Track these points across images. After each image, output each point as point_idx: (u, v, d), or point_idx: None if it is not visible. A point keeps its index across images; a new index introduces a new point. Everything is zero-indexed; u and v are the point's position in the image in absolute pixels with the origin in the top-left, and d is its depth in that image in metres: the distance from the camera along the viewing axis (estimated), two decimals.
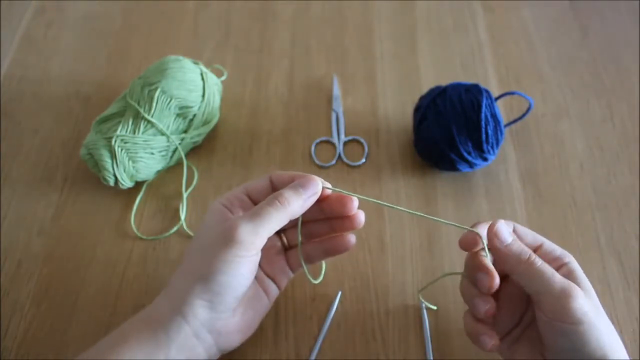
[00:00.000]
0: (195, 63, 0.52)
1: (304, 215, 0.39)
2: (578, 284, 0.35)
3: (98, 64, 0.60)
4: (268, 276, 0.41)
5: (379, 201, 0.39)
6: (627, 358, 0.35)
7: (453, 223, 0.38)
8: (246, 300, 0.38)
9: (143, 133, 0.48)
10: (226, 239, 0.34)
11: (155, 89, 0.48)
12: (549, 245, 0.38)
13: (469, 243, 0.38)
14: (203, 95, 0.51)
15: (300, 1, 0.66)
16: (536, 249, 0.37)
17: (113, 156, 0.47)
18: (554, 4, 0.66)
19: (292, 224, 0.41)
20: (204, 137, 0.53)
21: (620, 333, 0.43)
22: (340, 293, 0.45)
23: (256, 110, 0.57)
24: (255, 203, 0.40)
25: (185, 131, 0.51)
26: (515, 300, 0.39)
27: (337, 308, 0.44)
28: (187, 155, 0.52)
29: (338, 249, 0.41)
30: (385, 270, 0.46)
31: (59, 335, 0.43)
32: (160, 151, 0.49)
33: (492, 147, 0.48)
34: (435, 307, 0.44)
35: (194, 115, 0.51)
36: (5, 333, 0.43)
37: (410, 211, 0.39)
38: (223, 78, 0.57)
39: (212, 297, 0.35)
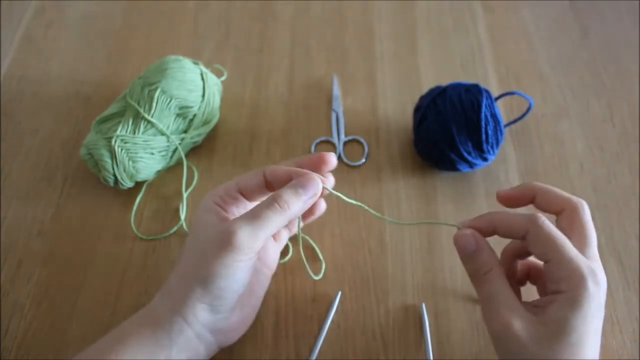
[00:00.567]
0: (195, 63, 0.52)
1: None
2: (561, 325, 0.32)
3: (98, 64, 0.60)
4: (260, 263, 0.41)
5: (375, 212, 0.40)
6: None
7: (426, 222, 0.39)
8: (242, 297, 0.38)
9: (143, 133, 0.48)
10: (225, 243, 0.34)
11: (155, 89, 0.48)
12: (560, 263, 0.33)
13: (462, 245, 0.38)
14: (203, 95, 0.51)
15: (300, 1, 0.66)
16: (531, 200, 0.37)
17: (113, 156, 0.47)
18: (554, 4, 0.66)
19: None
20: (204, 137, 0.53)
21: (620, 333, 0.43)
22: (340, 293, 0.45)
23: (256, 110, 0.57)
24: (248, 199, 0.40)
25: (185, 131, 0.51)
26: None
27: (337, 308, 0.44)
28: (187, 155, 0.52)
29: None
30: (385, 270, 0.46)
31: (59, 335, 0.43)
32: (160, 151, 0.49)
33: (492, 147, 0.48)
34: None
35: (194, 115, 0.51)
36: (5, 333, 0.43)
37: (385, 217, 0.39)
38: (223, 78, 0.57)
39: (212, 301, 0.35)
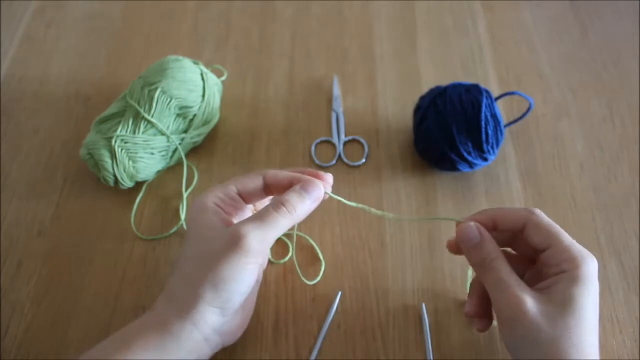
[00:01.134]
0: (195, 63, 0.52)
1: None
2: (567, 301, 0.34)
3: (98, 64, 0.60)
4: None
5: (375, 210, 0.40)
6: None
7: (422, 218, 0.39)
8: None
9: (143, 133, 0.48)
10: (235, 247, 0.34)
11: (155, 89, 0.48)
12: (560, 248, 0.36)
13: (453, 245, 0.40)
14: (203, 95, 0.51)
15: (300, 1, 0.66)
16: (543, 250, 0.37)
17: (113, 156, 0.47)
18: (554, 4, 0.66)
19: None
20: (204, 137, 0.53)
21: (620, 333, 0.43)
22: (340, 293, 0.45)
23: (256, 110, 0.57)
24: (247, 202, 0.40)
25: (185, 131, 0.51)
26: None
27: (337, 308, 0.44)
28: (187, 155, 0.52)
29: None
30: (385, 271, 0.46)
31: (59, 336, 0.43)
32: (160, 151, 0.49)
33: (492, 147, 0.48)
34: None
35: (194, 115, 0.51)
36: (5, 333, 0.43)
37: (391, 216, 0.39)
38: (223, 78, 0.57)
39: (223, 304, 0.35)
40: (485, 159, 0.49)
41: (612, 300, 0.45)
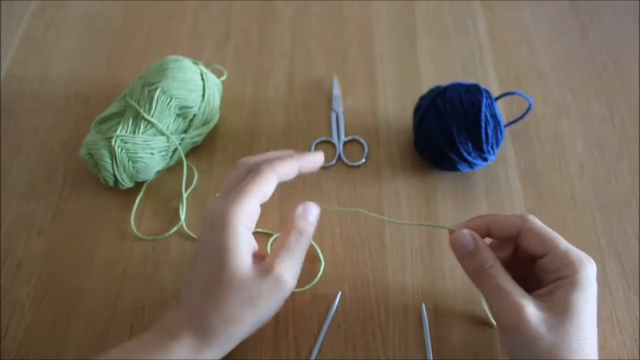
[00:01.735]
0: (195, 63, 0.52)
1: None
2: (568, 307, 0.34)
3: (98, 64, 0.60)
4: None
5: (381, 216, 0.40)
6: None
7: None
8: None
9: (143, 133, 0.48)
10: (279, 291, 0.36)
11: (155, 89, 0.48)
12: (557, 254, 0.36)
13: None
14: (203, 95, 0.51)
15: (300, 1, 0.66)
16: (542, 257, 0.36)
17: (113, 156, 0.47)
18: (554, 4, 0.66)
19: None
20: (204, 137, 0.53)
21: (620, 333, 0.43)
22: (340, 293, 0.45)
23: (256, 110, 0.57)
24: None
25: (185, 131, 0.51)
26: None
27: (337, 308, 0.44)
28: (187, 155, 0.52)
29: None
30: (385, 271, 0.46)
31: (59, 336, 0.43)
32: (160, 151, 0.49)
33: (492, 147, 0.48)
34: (494, 322, 0.43)
35: (194, 115, 0.51)
36: (5, 333, 0.43)
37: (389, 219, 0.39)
38: (223, 78, 0.57)
39: (245, 337, 0.37)
40: (485, 159, 0.49)
41: (612, 300, 0.45)
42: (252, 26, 0.64)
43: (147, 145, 0.48)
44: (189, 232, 0.48)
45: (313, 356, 0.42)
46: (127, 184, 0.48)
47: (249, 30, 0.63)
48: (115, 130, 0.47)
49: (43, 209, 0.50)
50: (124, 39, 0.62)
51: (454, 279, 0.46)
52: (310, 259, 0.47)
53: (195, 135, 0.51)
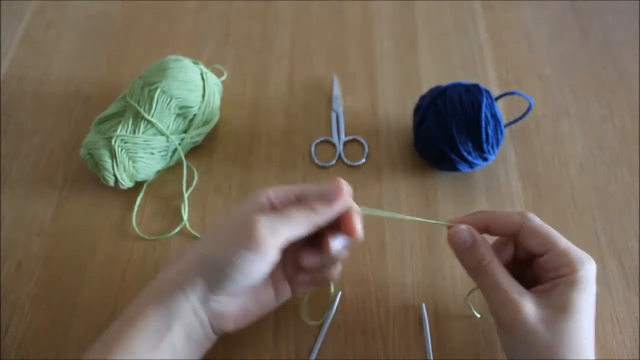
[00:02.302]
0: (195, 63, 0.52)
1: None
2: (566, 305, 0.34)
3: (98, 64, 0.60)
4: (287, 279, 0.40)
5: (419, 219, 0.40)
6: None
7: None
8: (250, 293, 0.38)
9: (143, 133, 0.48)
10: (244, 232, 0.34)
11: (155, 89, 0.48)
12: (557, 252, 0.35)
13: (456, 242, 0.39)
14: (203, 95, 0.51)
15: (300, 1, 0.66)
16: (541, 255, 0.36)
17: (113, 156, 0.47)
18: (554, 4, 0.66)
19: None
20: (204, 137, 0.53)
21: (620, 333, 0.43)
22: (340, 293, 0.45)
23: (256, 110, 0.57)
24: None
25: (185, 131, 0.51)
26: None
27: (337, 308, 0.44)
28: (187, 155, 0.52)
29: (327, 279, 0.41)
30: (385, 271, 0.46)
31: (59, 335, 0.43)
32: (160, 151, 0.49)
33: (492, 147, 0.48)
34: (478, 315, 0.44)
35: (194, 115, 0.51)
36: (5, 333, 0.43)
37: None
38: (223, 78, 0.57)
39: (212, 282, 0.35)
40: (485, 159, 0.49)
41: (612, 300, 0.45)
42: (252, 26, 0.63)
43: (147, 145, 0.48)
44: (192, 231, 0.48)
45: (313, 356, 0.42)
46: (127, 183, 0.48)
47: (249, 30, 0.63)
48: (115, 130, 0.47)
49: (43, 209, 0.50)
50: (124, 39, 0.62)
51: (454, 279, 0.46)
52: None
53: (195, 135, 0.51)
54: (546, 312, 0.34)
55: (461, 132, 0.47)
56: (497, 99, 0.50)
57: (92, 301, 0.45)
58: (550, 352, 0.33)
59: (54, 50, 0.61)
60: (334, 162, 0.53)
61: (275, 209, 0.36)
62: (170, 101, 0.48)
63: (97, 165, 0.48)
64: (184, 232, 0.49)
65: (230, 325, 0.38)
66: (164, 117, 0.49)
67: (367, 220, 0.49)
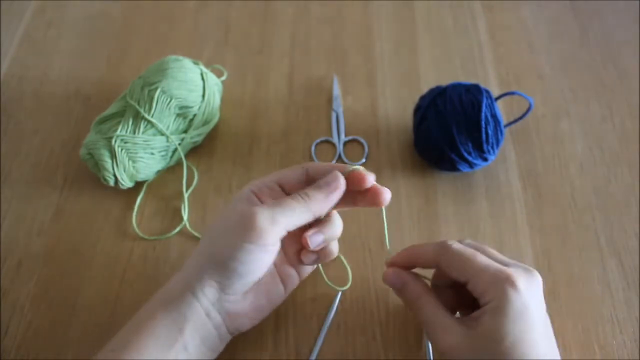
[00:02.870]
0: (195, 63, 0.52)
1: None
2: (492, 333, 0.33)
3: (98, 64, 0.60)
4: (291, 265, 0.41)
5: None
6: None
7: None
8: (259, 287, 0.38)
9: (143, 133, 0.48)
10: (244, 225, 0.34)
11: (155, 89, 0.48)
12: (477, 278, 0.34)
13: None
14: (203, 95, 0.51)
15: (300, 1, 0.66)
16: (465, 283, 0.36)
17: (113, 156, 0.47)
18: (554, 4, 0.66)
19: None
20: (204, 137, 0.53)
21: (620, 333, 0.43)
22: (340, 293, 0.45)
23: (256, 111, 0.57)
24: (287, 192, 0.39)
25: (185, 131, 0.51)
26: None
27: (337, 308, 0.44)
28: (187, 155, 0.52)
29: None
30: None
31: (59, 335, 0.43)
32: (160, 151, 0.49)
33: (492, 147, 0.48)
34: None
35: (194, 115, 0.51)
36: (5, 333, 0.43)
37: None
38: (223, 78, 0.57)
39: (222, 280, 0.35)
40: (485, 159, 0.49)
41: (612, 300, 0.45)
42: (252, 26, 0.63)
43: (147, 145, 0.48)
44: (192, 231, 0.48)
45: (313, 356, 0.42)
46: (127, 183, 0.48)
47: (249, 30, 0.63)
48: (115, 130, 0.47)
49: (43, 209, 0.50)
50: (124, 39, 0.62)
51: None
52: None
53: (195, 135, 0.51)
54: (474, 343, 0.33)
55: (461, 132, 0.47)
56: (497, 99, 0.50)
57: (92, 301, 0.45)
58: None
59: (54, 50, 0.61)
60: (334, 162, 0.53)
61: (262, 201, 0.38)
62: (170, 101, 0.48)
63: (97, 165, 0.48)
64: (184, 232, 0.49)
65: (246, 324, 0.38)
66: (164, 117, 0.49)
67: (368, 220, 0.49)
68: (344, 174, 0.38)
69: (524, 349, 0.33)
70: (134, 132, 0.48)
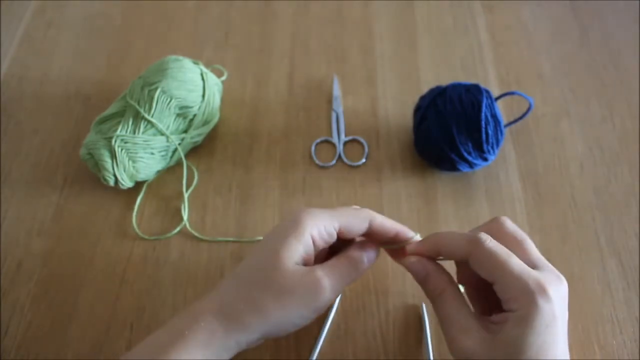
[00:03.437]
0: (195, 63, 0.52)
1: None
2: (513, 344, 0.32)
3: (98, 64, 0.60)
4: None
5: None
6: None
7: None
8: None
9: (143, 133, 0.48)
10: (313, 299, 0.34)
11: (155, 89, 0.48)
12: (506, 283, 0.33)
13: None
14: (203, 95, 0.51)
15: (300, 1, 0.66)
16: (492, 283, 0.34)
17: (113, 156, 0.47)
18: (554, 4, 0.66)
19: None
20: (204, 137, 0.53)
21: (620, 333, 0.43)
22: (340, 293, 0.45)
23: (256, 111, 0.57)
24: (342, 240, 0.39)
25: (185, 131, 0.51)
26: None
27: (337, 308, 0.44)
28: (187, 155, 0.52)
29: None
30: (385, 270, 0.46)
31: (59, 335, 0.43)
32: (160, 151, 0.49)
33: (492, 147, 0.48)
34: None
35: (194, 115, 0.51)
36: (5, 333, 0.43)
37: None
38: (223, 78, 0.57)
39: (271, 336, 0.36)
40: (485, 159, 0.49)
41: (612, 300, 0.45)
42: (252, 26, 0.64)
43: (147, 145, 0.48)
44: (192, 232, 0.48)
45: (313, 356, 0.42)
46: (127, 183, 0.48)
47: (249, 30, 0.63)
48: (115, 130, 0.47)
49: (43, 209, 0.50)
50: (124, 39, 0.62)
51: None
52: None
53: (195, 135, 0.51)
54: (492, 350, 0.32)
55: (461, 132, 0.47)
56: (497, 99, 0.50)
57: (92, 301, 0.45)
58: None
59: (54, 50, 0.61)
60: (334, 162, 0.53)
61: (316, 245, 0.36)
62: (170, 101, 0.48)
63: (97, 165, 0.48)
64: (184, 232, 0.49)
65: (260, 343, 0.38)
66: (164, 117, 0.49)
67: None
68: (403, 242, 0.39)
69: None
70: (134, 132, 0.48)
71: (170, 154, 0.50)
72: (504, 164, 0.53)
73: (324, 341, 0.43)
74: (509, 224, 0.37)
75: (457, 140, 0.47)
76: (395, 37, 0.63)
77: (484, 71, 0.60)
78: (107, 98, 0.55)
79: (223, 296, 0.35)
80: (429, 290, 0.37)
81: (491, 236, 0.35)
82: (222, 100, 0.55)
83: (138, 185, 0.50)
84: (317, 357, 0.42)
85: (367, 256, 0.38)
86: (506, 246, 0.34)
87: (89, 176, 0.51)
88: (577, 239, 0.48)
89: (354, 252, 0.38)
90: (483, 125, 0.47)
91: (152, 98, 0.48)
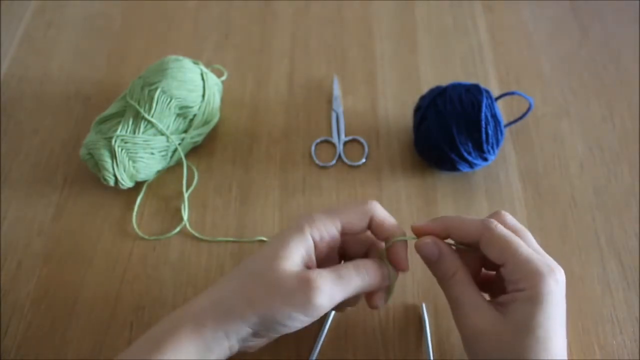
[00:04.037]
0: (195, 63, 0.52)
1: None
2: (524, 322, 0.32)
3: (98, 64, 0.60)
4: None
5: None
6: None
7: None
8: None
9: (143, 133, 0.48)
10: (303, 297, 0.33)
11: (155, 89, 0.48)
12: (515, 264, 0.34)
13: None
14: (203, 95, 0.51)
15: (300, 1, 0.66)
16: (501, 265, 0.35)
17: (113, 156, 0.47)
18: (554, 4, 0.66)
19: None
20: (204, 137, 0.53)
21: (620, 333, 0.43)
22: None
23: (256, 111, 0.57)
24: (345, 238, 0.38)
25: (185, 131, 0.51)
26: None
27: None
28: (187, 155, 0.52)
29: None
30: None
31: (59, 335, 0.43)
32: (160, 151, 0.49)
33: (492, 147, 0.48)
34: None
35: (194, 115, 0.51)
36: (5, 333, 0.43)
37: None
38: (223, 78, 0.57)
39: (260, 331, 0.35)
40: (485, 159, 0.49)
41: (612, 300, 0.45)
42: (252, 26, 0.64)
43: (147, 145, 0.48)
44: (192, 232, 0.48)
45: (313, 356, 0.42)
46: (127, 183, 0.48)
47: (249, 30, 0.63)
48: (115, 130, 0.47)
49: (43, 209, 0.50)
50: (124, 39, 0.62)
51: None
52: None
53: (195, 135, 0.51)
54: (504, 328, 0.33)
55: (461, 132, 0.47)
56: (497, 99, 0.50)
57: (92, 301, 0.45)
58: None
59: (54, 50, 0.61)
60: (334, 162, 0.53)
61: (318, 249, 0.36)
62: (170, 101, 0.48)
63: (97, 165, 0.48)
64: (184, 232, 0.49)
65: (258, 348, 0.38)
66: (164, 117, 0.49)
67: None
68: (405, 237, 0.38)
69: (549, 345, 0.32)
70: (134, 132, 0.48)
71: (170, 154, 0.50)
72: (504, 164, 0.53)
73: (323, 341, 0.43)
74: (510, 218, 0.37)
75: (457, 140, 0.47)
76: (395, 37, 0.63)
77: (484, 71, 0.60)
78: (107, 98, 0.55)
79: (217, 292, 0.36)
80: (443, 270, 0.37)
81: None
82: (222, 100, 0.55)
83: (138, 185, 0.50)
84: (317, 357, 0.42)
85: (373, 268, 0.37)
86: None
87: (89, 176, 0.51)
88: (577, 239, 0.48)
89: (362, 260, 0.37)
90: (483, 125, 0.47)
91: (152, 98, 0.48)
